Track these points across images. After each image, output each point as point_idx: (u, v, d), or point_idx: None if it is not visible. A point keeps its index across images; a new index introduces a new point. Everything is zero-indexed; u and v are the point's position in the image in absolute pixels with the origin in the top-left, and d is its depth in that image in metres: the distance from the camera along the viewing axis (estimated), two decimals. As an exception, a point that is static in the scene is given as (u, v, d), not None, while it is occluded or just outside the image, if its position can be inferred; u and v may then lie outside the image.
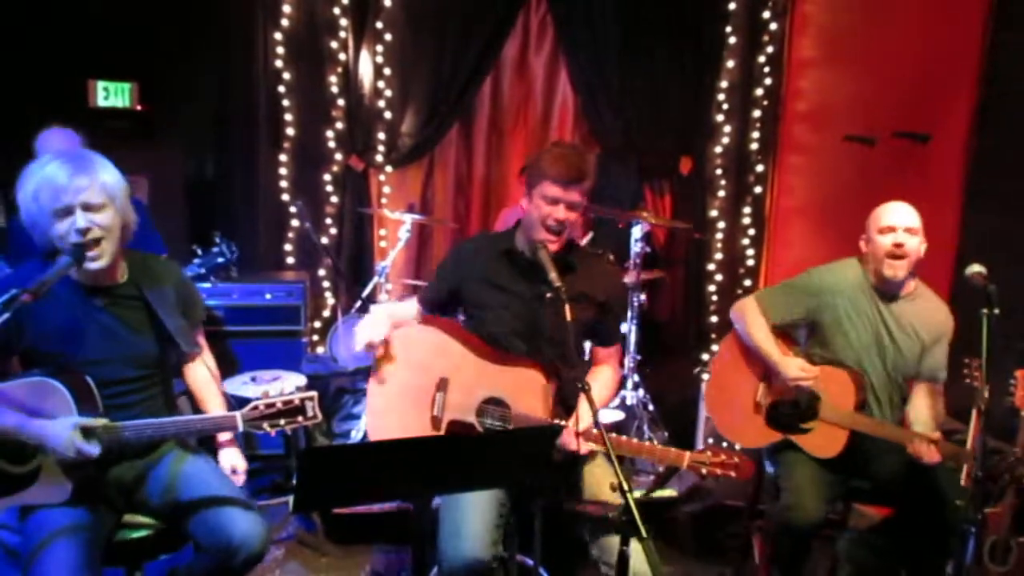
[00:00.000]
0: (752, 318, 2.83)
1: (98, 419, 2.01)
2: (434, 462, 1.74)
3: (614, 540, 2.18)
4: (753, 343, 2.81)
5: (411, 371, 2.40)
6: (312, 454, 1.68)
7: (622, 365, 2.57)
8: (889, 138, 3.79)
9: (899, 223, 2.66)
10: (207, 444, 2.45)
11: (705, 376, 4.82)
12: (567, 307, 2.03)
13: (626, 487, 1.69)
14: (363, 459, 1.71)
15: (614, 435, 2.24)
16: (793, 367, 2.72)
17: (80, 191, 2.00)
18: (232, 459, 2.32)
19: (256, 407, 2.01)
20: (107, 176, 2.06)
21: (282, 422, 2.02)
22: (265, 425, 2.01)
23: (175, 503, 2.16)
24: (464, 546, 2.13)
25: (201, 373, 2.37)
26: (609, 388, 2.55)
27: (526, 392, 2.31)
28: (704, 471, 2.15)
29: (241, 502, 2.15)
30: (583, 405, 2.27)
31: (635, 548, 2.02)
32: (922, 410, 2.71)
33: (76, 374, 2.06)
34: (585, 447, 2.23)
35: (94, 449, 1.96)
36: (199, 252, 3.42)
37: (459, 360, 2.37)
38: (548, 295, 2.14)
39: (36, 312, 2.03)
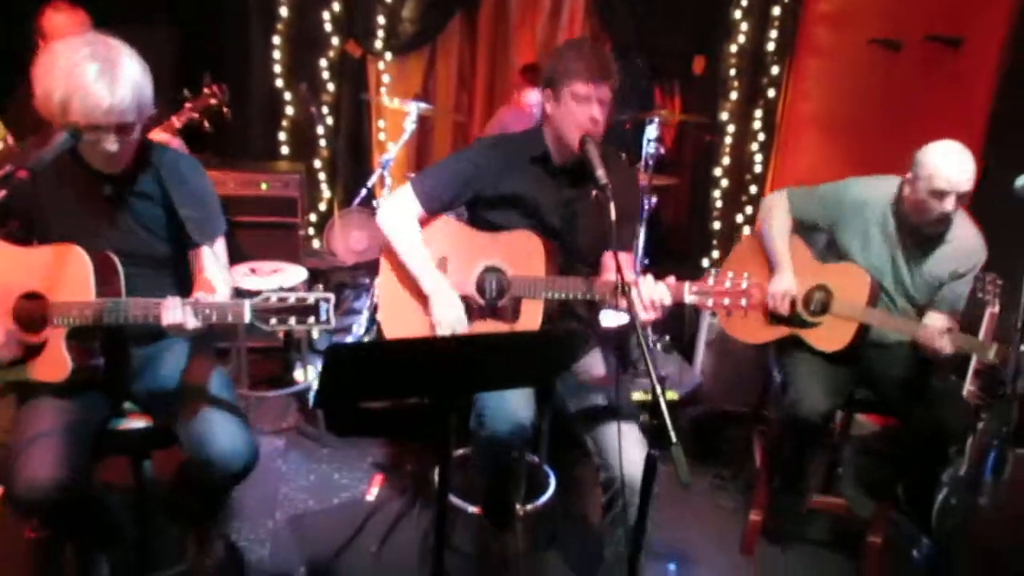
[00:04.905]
0: (777, 213, 2.78)
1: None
2: (457, 361, 1.69)
3: (610, 430, 2.14)
4: (767, 237, 2.78)
5: None
6: (334, 351, 1.62)
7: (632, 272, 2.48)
8: (917, 43, 3.59)
9: (954, 188, 2.41)
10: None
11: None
12: (611, 204, 1.94)
13: (659, 390, 1.65)
14: (385, 357, 1.66)
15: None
16: (783, 282, 2.68)
17: (117, 114, 1.80)
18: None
19: (268, 298, 1.79)
20: (140, 83, 1.83)
21: (292, 320, 1.78)
22: (273, 320, 1.79)
23: (168, 402, 2.07)
24: (507, 408, 2.13)
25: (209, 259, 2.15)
26: None
27: (523, 255, 2.26)
28: (710, 302, 2.02)
29: (231, 417, 2.02)
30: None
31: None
32: (937, 319, 2.68)
33: (102, 251, 1.93)
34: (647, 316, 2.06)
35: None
36: (188, 95, 3.18)
37: (456, 237, 2.36)
38: (594, 192, 2.04)
39: (40, 193, 1.92)
